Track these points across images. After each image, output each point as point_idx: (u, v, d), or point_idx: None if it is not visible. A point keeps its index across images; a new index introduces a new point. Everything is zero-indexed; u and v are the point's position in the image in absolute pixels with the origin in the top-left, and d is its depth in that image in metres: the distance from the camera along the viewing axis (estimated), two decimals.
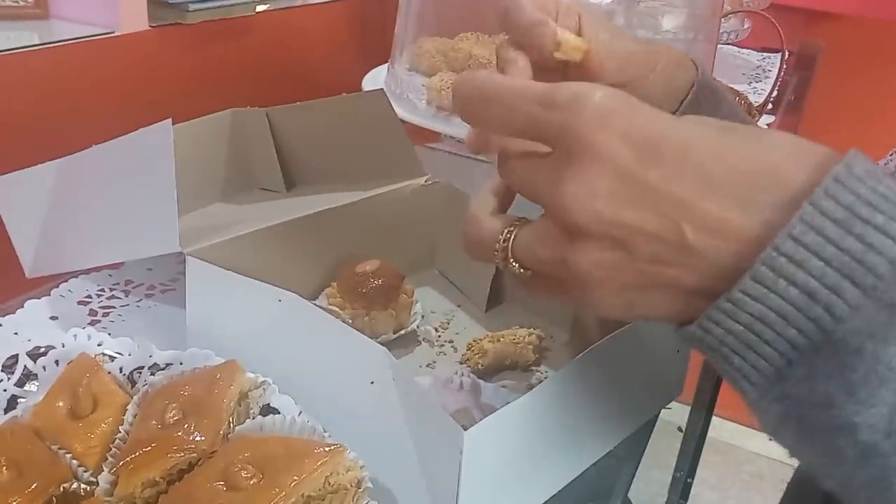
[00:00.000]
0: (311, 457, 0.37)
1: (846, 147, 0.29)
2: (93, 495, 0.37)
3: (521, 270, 0.35)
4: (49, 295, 0.56)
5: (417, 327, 0.56)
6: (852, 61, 1.33)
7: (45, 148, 0.61)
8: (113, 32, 1.12)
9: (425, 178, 0.63)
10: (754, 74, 1.16)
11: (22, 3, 1.15)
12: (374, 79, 0.90)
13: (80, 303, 0.56)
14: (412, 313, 0.56)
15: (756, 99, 1.06)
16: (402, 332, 0.55)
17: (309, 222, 0.57)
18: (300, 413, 0.41)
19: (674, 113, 0.45)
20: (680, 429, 0.55)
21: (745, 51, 1.34)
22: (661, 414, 0.52)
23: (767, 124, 1.06)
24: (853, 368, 0.27)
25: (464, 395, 0.46)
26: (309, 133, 0.66)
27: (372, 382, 0.42)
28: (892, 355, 0.27)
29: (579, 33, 0.41)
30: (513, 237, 0.34)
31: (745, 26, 1.06)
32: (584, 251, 0.31)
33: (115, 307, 0.56)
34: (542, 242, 0.33)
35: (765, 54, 1.33)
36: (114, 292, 0.58)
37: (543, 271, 0.34)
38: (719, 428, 1.83)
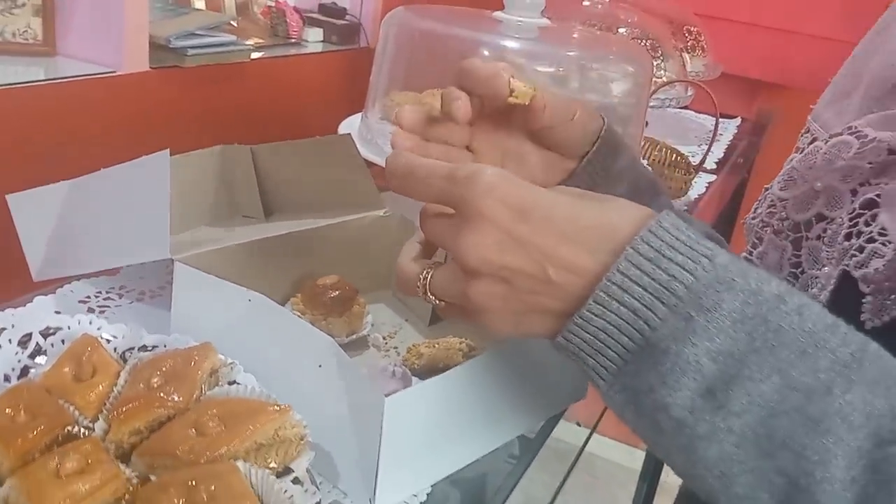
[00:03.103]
0: (264, 413, 0.49)
1: None
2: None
3: (437, 301, 0.47)
4: (54, 293, 0.68)
5: (368, 334, 0.68)
6: (799, 129, 1.48)
7: (49, 174, 0.72)
8: (115, 72, 1.25)
9: (383, 210, 0.76)
10: (706, 137, 1.30)
11: (31, 41, 1.28)
12: (350, 125, 1.03)
13: (80, 301, 0.68)
14: (364, 322, 0.68)
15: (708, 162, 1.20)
16: (354, 336, 0.67)
17: (280, 242, 0.70)
18: (258, 386, 0.53)
19: (585, 155, 0.58)
20: (578, 423, 0.66)
21: (701, 115, 1.49)
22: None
23: (708, 182, 1.20)
24: (663, 363, 0.40)
25: (395, 381, 0.58)
26: (286, 168, 0.78)
27: (320, 366, 0.54)
28: (689, 353, 0.39)
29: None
30: (430, 277, 0.47)
31: (689, 93, 1.21)
32: (478, 287, 0.43)
33: (110, 307, 0.68)
34: (449, 281, 0.46)
35: (722, 120, 1.47)
36: (110, 295, 0.69)
37: (453, 302, 0.46)
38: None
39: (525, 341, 0.57)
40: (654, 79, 1.06)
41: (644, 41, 1.16)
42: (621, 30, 1.25)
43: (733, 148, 1.38)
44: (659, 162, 1.11)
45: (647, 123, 1.30)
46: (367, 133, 0.97)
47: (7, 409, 0.47)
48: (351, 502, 0.52)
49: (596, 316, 0.41)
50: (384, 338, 0.69)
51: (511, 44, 0.90)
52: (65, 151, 1.15)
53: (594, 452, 1.26)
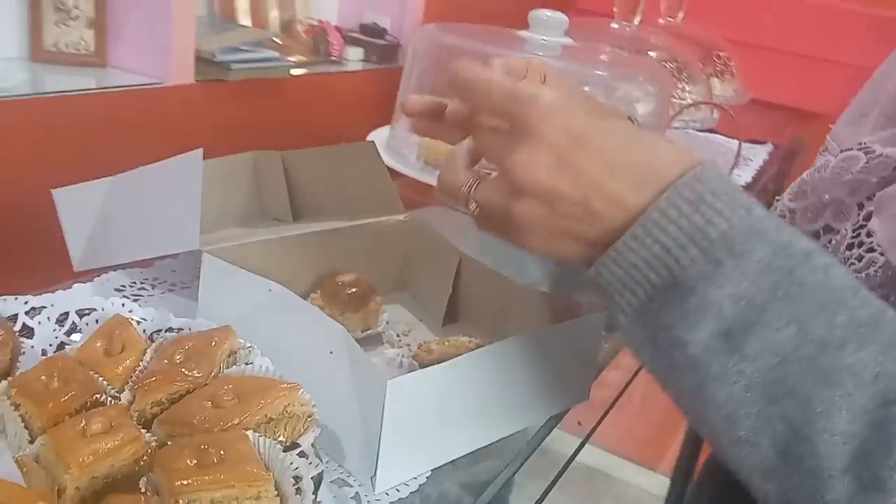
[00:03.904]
0: (275, 390, 0.53)
1: None
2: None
3: (477, 211, 0.50)
4: (92, 282, 0.73)
5: (383, 331, 0.72)
6: None
7: (96, 177, 0.77)
8: (162, 83, 1.32)
9: (404, 214, 0.80)
10: (734, 161, 1.32)
11: (84, 52, 1.35)
12: (378, 135, 1.08)
13: (116, 290, 0.73)
14: (379, 319, 0.72)
15: None
16: (370, 332, 0.71)
17: (303, 240, 0.74)
18: (272, 367, 0.57)
19: None
20: (579, 422, 0.68)
21: (732, 141, 1.51)
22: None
23: None
24: (687, 302, 0.42)
25: (402, 371, 0.61)
26: (314, 173, 0.83)
27: (331, 352, 0.58)
28: (713, 294, 0.42)
29: None
30: (475, 186, 0.50)
31: (714, 116, 1.24)
32: (522, 205, 0.46)
33: (143, 295, 0.73)
34: (495, 193, 0.49)
35: (751, 145, 1.50)
36: (143, 285, 0.75)
37: (492, 215, 0.49)
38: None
39: (531, 339, 0.61)
40: (677, 100, 1.10)
41: (670, 63, 1.19)
42: (651, 53, 1.29)
43: (763, 172, 1.40)
44: None
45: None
46: (394, 143, 1.02)
47: (42, 377, 0.52)
48: (354, 481, 0.56)
49: (630, 250, 0.44)
50: (398, 335, 0.73)
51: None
52: (111, 156, 1.20)
53: (620, 477, 1.28)
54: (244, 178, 0.87)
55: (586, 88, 1.03)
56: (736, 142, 1.49)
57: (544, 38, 0.93)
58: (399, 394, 0.53)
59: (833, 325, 0.41)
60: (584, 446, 0.67)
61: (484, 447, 0.61)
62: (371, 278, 0.74)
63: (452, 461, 0.59)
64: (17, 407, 0.51)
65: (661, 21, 1.40)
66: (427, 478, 0.58)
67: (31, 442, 0.49)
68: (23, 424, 0.50)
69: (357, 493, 0.55)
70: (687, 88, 1.19)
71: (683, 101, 1.13)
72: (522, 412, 0.63)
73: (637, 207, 0.44)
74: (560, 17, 0.92)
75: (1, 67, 1.24)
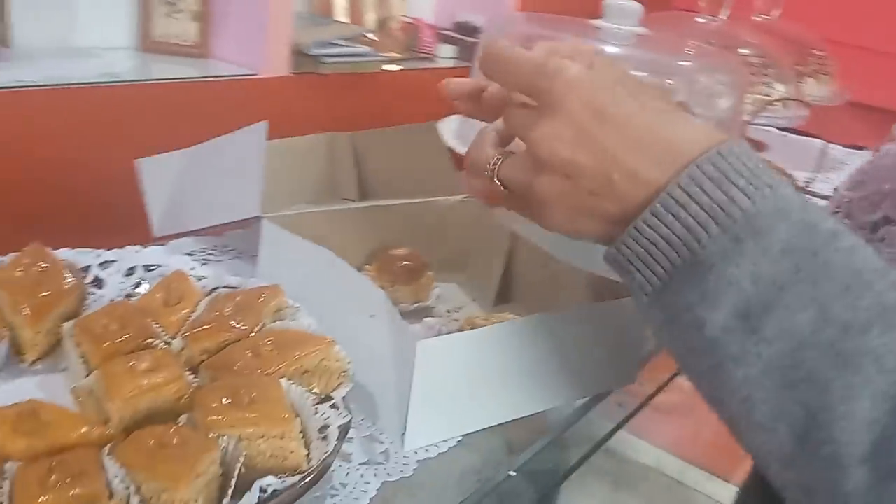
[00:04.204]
0: (312, 343, 0.56)
1: None
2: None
3: (502, 188, 0.50)
4: (165, 245, 0.78)
5: (433, 306, 0.74)
6: None
7: None
8: (258, 74, 1.39)
9: (463, 196, 0.82)
10: (832, 165, 1.27)
11: (188, 43, 1.44)
12: (450, 122, 1.10)
13: (187, 254, 0.78)
14: (430, 294, 0.74)
15: (821, 188, 1.18)
16: (419, 305, 0.73)
17: (362, 214, 0.77)
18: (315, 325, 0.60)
19: None
20: (620, 404, 0.68)
21: (831, 145, 1.46)
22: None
23: None
24: (707, 280, 0.41)
25: None
26: (381, 154, 0.86)
27: (371, 315, 0.60)
28: (732, 273, 0.41)
29: None
30: (500, 162, 0.50)
31: (802, 115, 1.19)
32: (543, 179, 0.46)
33: (210, 260, 0.77)
34: (518, 168, 0.49)
35: (848, 149, 1.44)
36: (212, 251, 0.79)
37: (516, 191, 0.49)
38: None
39: (569, 316, 0.61)
40: (761, 97, 1.07)
41: (756, 59, 1.16)
42: (742, 51, 1.26)
43: None
44: None
45: (766, 146, 1.30)
46: (463, 129, 1.03)
47: (103, 321, 0.57)
48: (385, 438, 0.58)
49: (650, 227, 0.43)
50: (448, 311, 0.75)
51: (609, 49, 0.94)
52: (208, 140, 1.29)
53: (690, 484, 1.24)
54: (317, 157, 0.91)
55: (671, 82, 1.02)
56: (835, 146, 1.44)
57: (618, 26, 0.92)
58: (429, 355, 0.55)
59: (857, 308, 0.39)
60: (618, 430, 0.67)
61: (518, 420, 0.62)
62: (428, 256, 0.76)
63: (485, 429, 0.61)
64: (78, 345, 0.56)
65: (754, 18, 1.36)
66: (458, 442, 0.59)
67: (88, 376, 0.53)
68: (82, 361, 0.55)
69: (387, 449, 0.57)
70: (774, 85, 1.16)
71: (767, 98, 1.11)
72: (559, 389, 0.64)
73: (659, 184, 0.43)
74: (635, 5, 0.92)
75: (113, 56, 1.33)
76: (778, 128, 1.19)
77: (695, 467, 1.07)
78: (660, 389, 0.70)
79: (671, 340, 0.45)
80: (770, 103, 1.10)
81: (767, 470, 0.42)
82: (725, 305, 0.41)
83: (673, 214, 0.42)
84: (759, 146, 1.25)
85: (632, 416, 0.67)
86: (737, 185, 0.41)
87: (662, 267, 0.43)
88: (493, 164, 0.50)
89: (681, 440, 1.10)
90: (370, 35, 1.77)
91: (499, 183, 0.50)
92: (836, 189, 0.63)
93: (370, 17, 1.83)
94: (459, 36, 1.81)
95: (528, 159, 0.48)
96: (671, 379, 0.73)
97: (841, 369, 0.38)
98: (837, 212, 0.61)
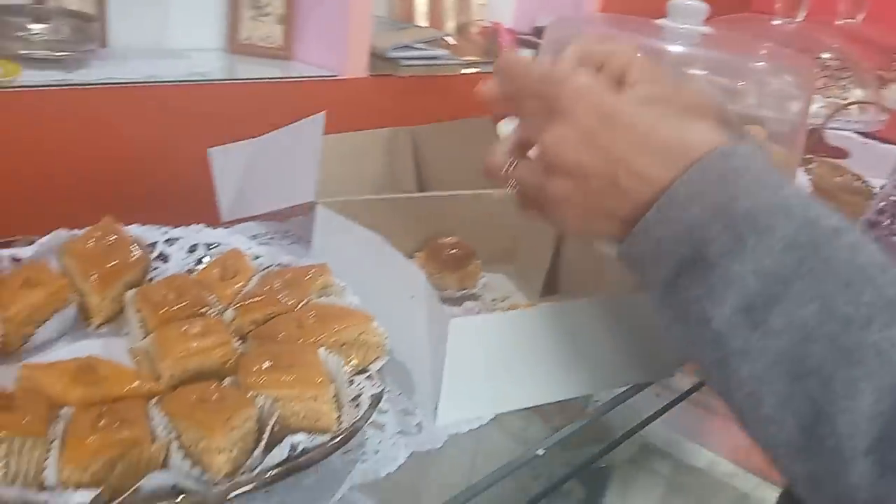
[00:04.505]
0: (352, 317, 0.59)
1: None
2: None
3: (517, 191, 0.53)
4: (229, 228, 0.83)
5: (478, 293, 0.76)
6: None
7: None
8: (338, 76, 1.44)
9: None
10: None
11: (273, 45, 1.50)
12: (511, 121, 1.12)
13: (250, 238, 0.82)
14: (476, 282, 0.77)
15: None
16: (465, 292, 0.76)
17: (415, 203, 0.80)
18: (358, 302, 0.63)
19: None
20: (657, 394, 0.68)
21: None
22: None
23: None
24: (711, 276, 0.43)
25: None
26: (439, 147, 0.89)
27: (412, 296, 0.63)
28: (736, 269, 0.42)
29: (623, 80, 0.53)
30: (514, 165, 0.53)
31: (882, 118, 1.16)
32: (554, 181, 0.49)
33: (270, 244, 0.82)
34: (530, 172, 0.51)
35: None
36: (274, 235, 0.84)
37: (529, 193, 0.52)
38: None
39: (606, 304, 0.63)
40: (835, 100, 1.05)
41: (833, 62, 1.14)
42: (822, 54, 1.24)
43: None
44: (840, 188, 1.09)
45: (847, 152, 1.26)
46: None
47: (163, 290, 0.62)
48: (419, 412, 0.61)
49: (657, 226, 0.45)
50: (493, 300, 0.77)
51: (674, 48, 0.94)
52: None
53: (736, 486, 1.21)
54: (379, 152, 0.94)
55: (741, 84, 1.02)
56: None
57: (682, 26, 0.93)
58: (461, 333, 0.57)
59: (858, 303, 0.39)
60: (651, 421, 0.67)
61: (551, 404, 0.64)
62: (478, 247, 0.79)
63: (518, 411, 0.62)
64: (138, 311, 0.61)
65: (838, 22, 1.33)
66: (490, 421, 0.61)
67: (144, 339, 0.58)
68: (140, 325, 0.60)
69: (420, 422, 0.60)
70: (851, 89, 1.13)
71: (842, 102, 1.08)
72: (593, 376, 0.65)
73: (664, 183, 0.45)
74: (699, 5, 0.92)
75: (201, 56, 1.41)
76: (857, 133, 1.16)
77: (748, 472, 1.05)
78: (697, 387, 0.70)
79: (680, 336, 0.46)
80: (845, 107, 1.08)
81: (776, 462, 0.43)
82: (729, 301, 0.42)
83: (678, 213, 0.44)
84: (839, 153, 1.22)
85: (666, 409, 0.67)
86: (739, 185, 0.43)
87: (670, 264, 0.45)
88: (508, 167, 0.53)
89: (736, 445, 1.09)
90: (449, 39, 1.81)
91: (513, 184, 0.53)
92: (882, 187, 0.62)
93: (450, 23, 1.88)
94: (538, 40, 1.83)
95: (540, 163, 0.50)
96: None
97: (843, 363, 0.39)
98: (883, 211, 0.61)
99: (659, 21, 0.95)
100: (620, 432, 0.66)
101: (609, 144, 0.46)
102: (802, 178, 1.03)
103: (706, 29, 0.94)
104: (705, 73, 0.96)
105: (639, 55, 0.54)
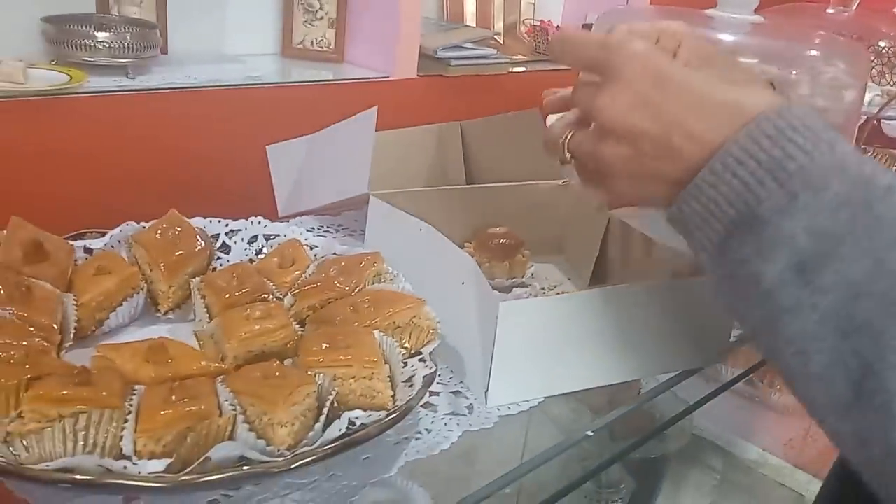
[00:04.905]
0: (405, 301, 0.61)
1: None
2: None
3: (573, 160, 0.54)
4: (286, 221, 0.87)
5: (527, 282, 0.78)
6: None
7: None
8: (388, 77, 1.48)
9: (562, 180, 0.86)
10: None
11: (325, 49, 1.55)
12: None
13: (307, 230, 0.86)
14: (526, 271, 0.79)
15: None
16: (515, 281, 0.78)
17: (465, 194, 0.83)
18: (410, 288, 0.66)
19: None
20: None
21: None
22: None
23: None
24: (763, 234, 0.43)
25: None
26: (487, 141, 0.92)
27: (462, 283, 0.65)
28: (787, 226, 0.43)
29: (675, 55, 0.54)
30: (570, 135, 0.54)
31: None
32: (606, 145, 0.49)
33: (325, 237, 0.85)
34: (584, 141, 0.52)
35: None
36: (329, 229, 0.87)
37: (586, 162, 0.53)
38: None
39: (654, 290, 0.64)
40: (894, 88, 1.04)
41: (891, 48, 1.12)
42: (880, 43, 1.22)
43: None
44: None
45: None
46: None
47: (226, 277, 0.65)
48: (470, 394, 0.63)
49: (709, 185, 0.45)
50: (542, 288, 0.79)
51: (724, 37, 0.95)
52: None
53: (779, 480, 1.20)
54: (429, 146, 0.97)
55: (794, 73, 1.02)
56: None
57: (732, 15, 0.94)
58: (511, 315, 0.59)
59: None
60: (698, 407, 0.68)
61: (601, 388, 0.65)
62: (527, 237, 0.81)
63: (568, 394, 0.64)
64: (203, 297, 0.64)
65: (895, 10, 1.32)
66: (539, 403, 0.63)
67: (209, 323, 0.62)
68: (205, 310, 0.63)
69: (471, 403, 0.62)
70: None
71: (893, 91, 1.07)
72: (641, 362, 0.66)
73: (717, 143, 0.45)
74: None
75: (257, 61, 1.46)
76: None
77: (799, 469, 1.05)
78: (743, 376, 0.71)
79: (730, 296, 0.47)
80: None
81: (823, 422, 0.44)
82: (781, 258, 0.43)
83: (731, 172, 0.44)
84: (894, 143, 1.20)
85: (713, 396, 0.68)
86: (794, 142, 0.43)
87: (721, 223, 0.45)
88: (565, 139, 0.54)
89: (790, 441, 1.08)
90: (498, 38, 1.84)
91: (569, 156, 0.54)
92: None
93: (499, 22, 1.90)
94: None
95: (593, 129, 0.51)
96: (758, 366, 0.73)
97: (894, 319, 0.39)
98: None
99: (709, 11, 0.96)
100: (669, 418, 0.67)
101: (662, 106, 0.47)
102: None
103: (757, 18, 0.95)
104: (756, 61, 0.96)
105: (688, 33, 0.55)
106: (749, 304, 0.45)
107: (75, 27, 1.16)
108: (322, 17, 1.57)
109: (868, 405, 0.40)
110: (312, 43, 1.56)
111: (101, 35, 1.16)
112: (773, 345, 0.44)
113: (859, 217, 0.41)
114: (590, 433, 0.61)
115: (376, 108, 0.77)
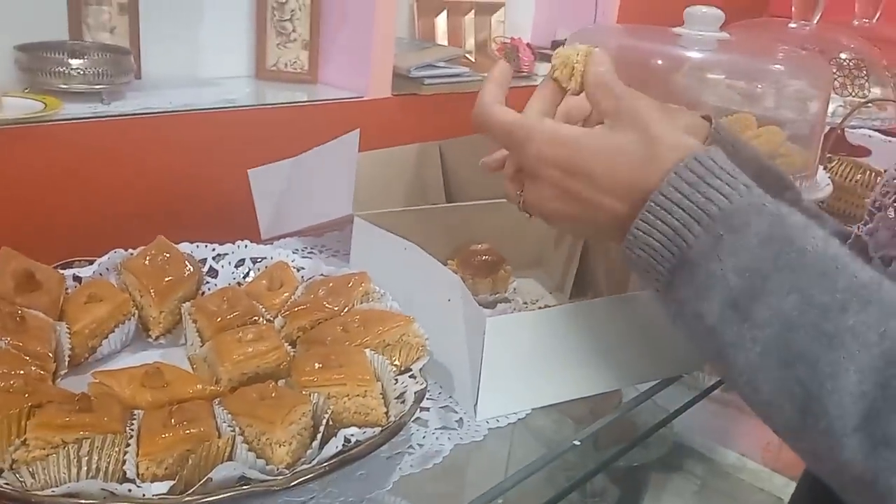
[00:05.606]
0: (394, 320, 0.64)
1: None
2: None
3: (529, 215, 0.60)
4: (271, 244, 0.88)
5: (510, 297, 0.81)
6: None
7: None
8: (363, 97, 1.50)
9: None
10: None
11: (299, 70, 1.56)
12: None
13: (292, 251, 0.88)
14: (508, 286, 0.81)
15: None
16: (498, 296, 0.80)
17: (447, 213, 0.85)
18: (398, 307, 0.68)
19: None
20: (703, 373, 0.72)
21: None
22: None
23: None
24: (696, 277, 0.48)
25: None
26: (465, 159, 0.94)
27: (448, 299, 0.67)
28: (716, 268, 0.47)
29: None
30: (522, 198, 0.59)
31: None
32: (553, 220, 0.57)
33: (311, 258, 0.87)
34: (535, 210, 0.58)
35: None
36: (312, 250, 0.89)
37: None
38: None
39: (632, 301, 0.67)
40: (853, 98, 1.08)
41: (849, 62, 1.17)
42: (841, 56, 1.27)
43: None
44: (862, 185, 1.12)
45: (868, 150, 1.30)
46: None
47: (216, 301, 0.67)
48: (460, 408, 0.65)
49: (644, 234, 0.50)
50: (524, 302, 0.81)
51: (692, 54, 0.99)
52: None
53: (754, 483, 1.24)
54: (408, 166, 0.99)
55: (759, 87, 1.06)
56: None
57: (699, 33, 0.97)
58: (497, 331, 0.61)
59: (834, 290, 0.43)
60: (680, 414, 0.71)
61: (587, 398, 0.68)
62: (508, 253, 0.83)
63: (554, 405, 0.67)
64: (194, 321, 0.66)
65: (854, 23, 1.37)
66: (527, 415, 0.65)
67: (202, 347, 0.63)
68: (197, 334, 0.65)
69: (461, 417, 0.64)
70: (870, 88, 1.16)
71: (860, 100, 1.11)
72: (625, 371, 0.69)
73: (641, 196, 0.50)
74: (716, 12, 0.96)
75: (231, 84, 1.48)
76: (877, 130, 1.19)
77: (777, 473, 1.08)
78: (721, 382, 0.74)
79: (684, 331, 0.51)
80: (863, 106, 1.11)
81: (784, 441, 0.47)
82: (715, 297, 0.47)
83: (660, 220, 0.49)
84: (861, 151, 1.25)
85: (694, 402, 0.71)
86: (713, 187, 0.48)
87: (663, 267, 0.50)
88: (519, 198, 0.60)
89: (767, 445, 1.12)
90: (469, 56, 1.87)
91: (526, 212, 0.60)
92: (886, 170, 0.65)
93: (470, 40, 1.93)
94: None
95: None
96: None
97: (826, 348, 0.43)
98: (886, 191, 0.64)
99: (676, 29, 1.00)
100: (651, 426, 0.69)
101: (578, 193, 0.53)
102: (824, 177, 1.06)
103: (722, 35, 0.99)
104: (723, 77, 1.00)
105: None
106: (699, 339, 0.49)
107: (49, 55, 1.17)
108: (295, 39, 1.59)
109: (814, 428, 0.43)
110: (286, 65, 1.58)
111: (74, 62, 1.17)
112: (727, 374, 0.48)
113: (782, 252, 0.45)
114: (577, 442, 0.64)
115: (358, 130, 0.80)
